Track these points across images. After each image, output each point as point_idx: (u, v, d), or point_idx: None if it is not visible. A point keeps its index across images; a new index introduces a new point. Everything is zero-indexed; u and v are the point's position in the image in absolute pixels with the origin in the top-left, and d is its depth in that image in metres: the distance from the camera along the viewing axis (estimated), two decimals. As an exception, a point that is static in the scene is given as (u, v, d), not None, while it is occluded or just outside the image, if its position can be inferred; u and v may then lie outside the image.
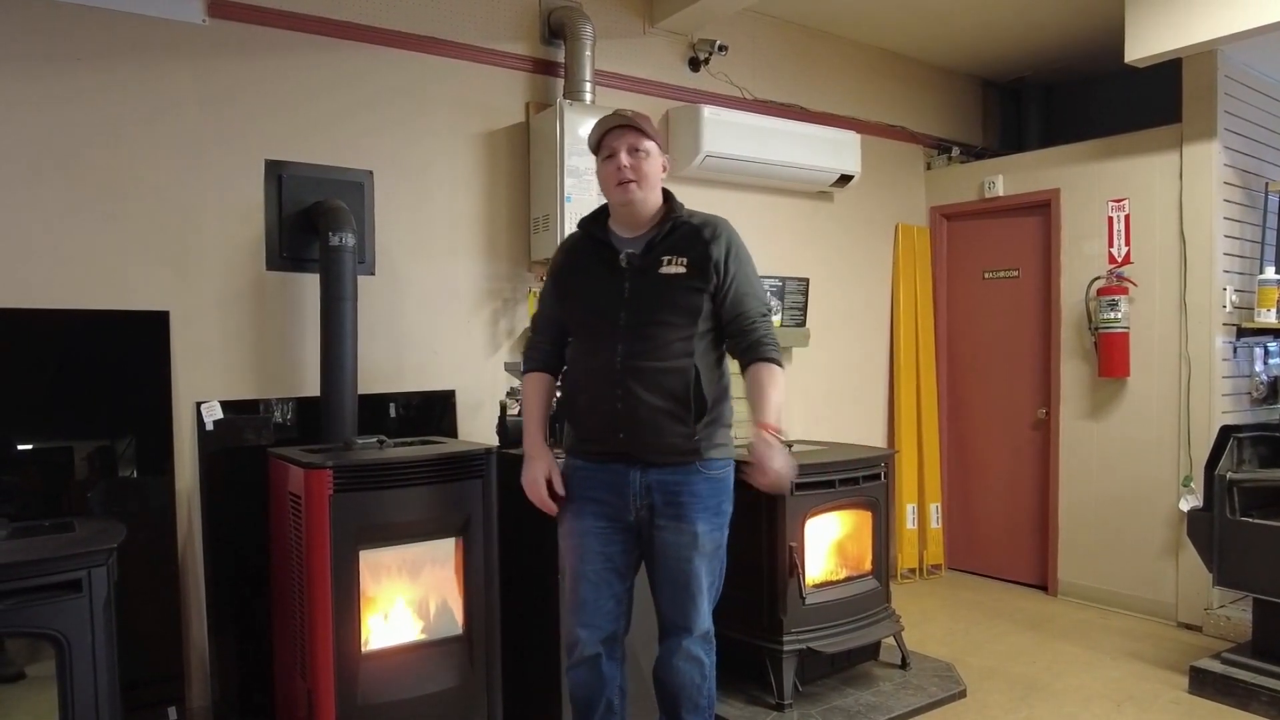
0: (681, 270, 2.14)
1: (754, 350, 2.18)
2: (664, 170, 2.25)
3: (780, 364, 2.19)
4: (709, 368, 2.18)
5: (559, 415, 2.35)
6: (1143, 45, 3.63)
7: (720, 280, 2.15)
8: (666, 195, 2.27)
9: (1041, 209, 4.61)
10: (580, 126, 3.36)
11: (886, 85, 4.85)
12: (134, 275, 2.77)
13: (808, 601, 3.12)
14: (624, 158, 2.16)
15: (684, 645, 2.20)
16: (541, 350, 2.35)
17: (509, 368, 3.21)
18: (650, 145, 2.19)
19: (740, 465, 2.20)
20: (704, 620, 2.23)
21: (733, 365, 2.26)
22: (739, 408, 2.28)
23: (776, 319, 4.17)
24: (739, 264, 2.19)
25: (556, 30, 3.55)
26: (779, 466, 2.07)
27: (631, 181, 2.15)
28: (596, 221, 2.29)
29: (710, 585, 2.24)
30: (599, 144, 2.22)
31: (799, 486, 3.11)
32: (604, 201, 2.31)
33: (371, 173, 3.19)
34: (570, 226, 2.97)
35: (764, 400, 2.15)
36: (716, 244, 2.17)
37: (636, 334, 2.12)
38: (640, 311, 2.12)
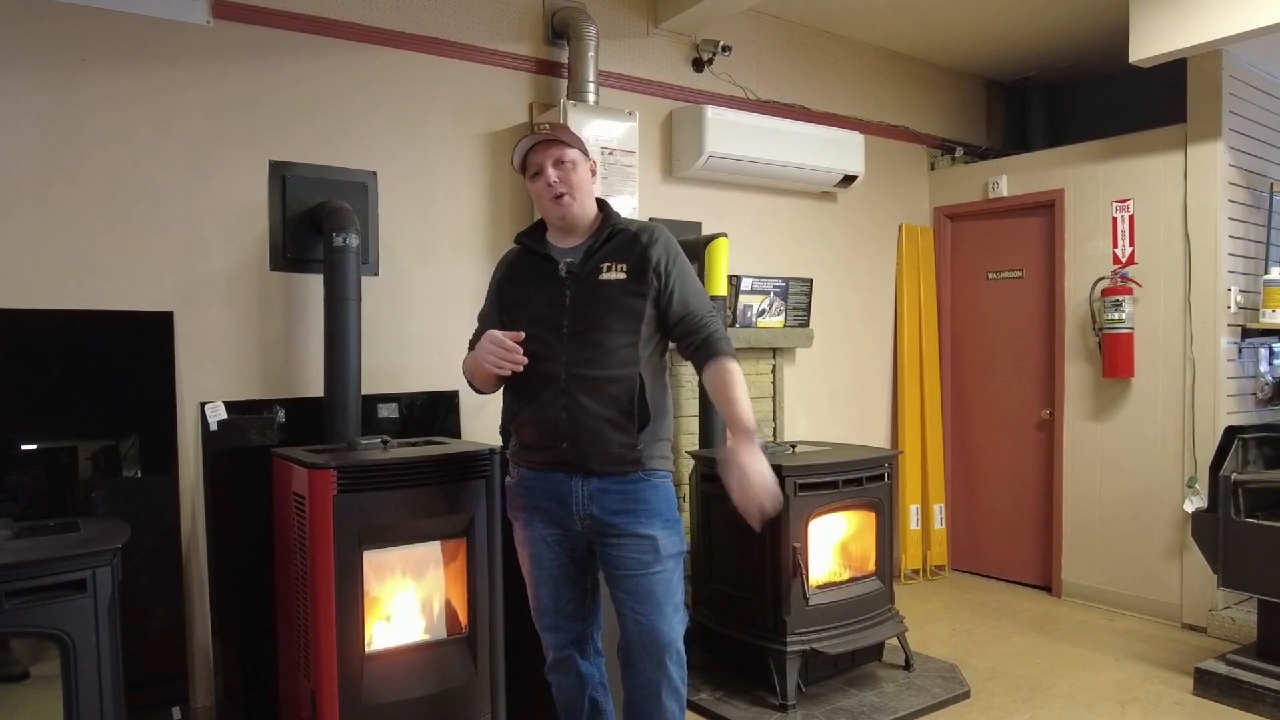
0: (621, 276, 2.12)
1: (707, 348, 2.13)
2: (593, 175, 2.24)
3: (737, 360, 2.14)
4: (653, 379, 2.16)
5: (505, 424, 2.34)
6: (1147, 45, 3.62)
7: (661, 284, 2.14)
8: (602, 204, 2.26)
9: (1046, 209, 4.61)
10: (584, 127, 3.36)
11: (890, 85, 4.85)
12: (138, 276, 2.77)
13: (811, 602, 3.11)
14: (551, 173, 2.14)
15: (669, 676, 2.12)
16: None
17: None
18: (573, 154, 2.17)
19: (721, 481, 2.12)
20: (679, 636, 2.16)
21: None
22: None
23: (779, 319, 4.17)
24: (678, 267, 2.17)
25: (560, 31, 3.55)
26: (768, 480, 2.03)
27: (564, 194, 2.15)
28: (533, 235, 2.27)
29: (678, 602, 2.17)
30: (524, 163, 2.20)
31: (803, 487, 3.11)
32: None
33: (375, 173, 3.20)
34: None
35: (733, 402, 2.08)
36: (654, 248, 2.15)
37: (580, 341, 2.10)
38: (583, 318, 2.10)
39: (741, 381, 2.12)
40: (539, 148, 2.17)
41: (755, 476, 2.02)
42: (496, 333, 2.11)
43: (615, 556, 2.13)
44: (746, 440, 2.05)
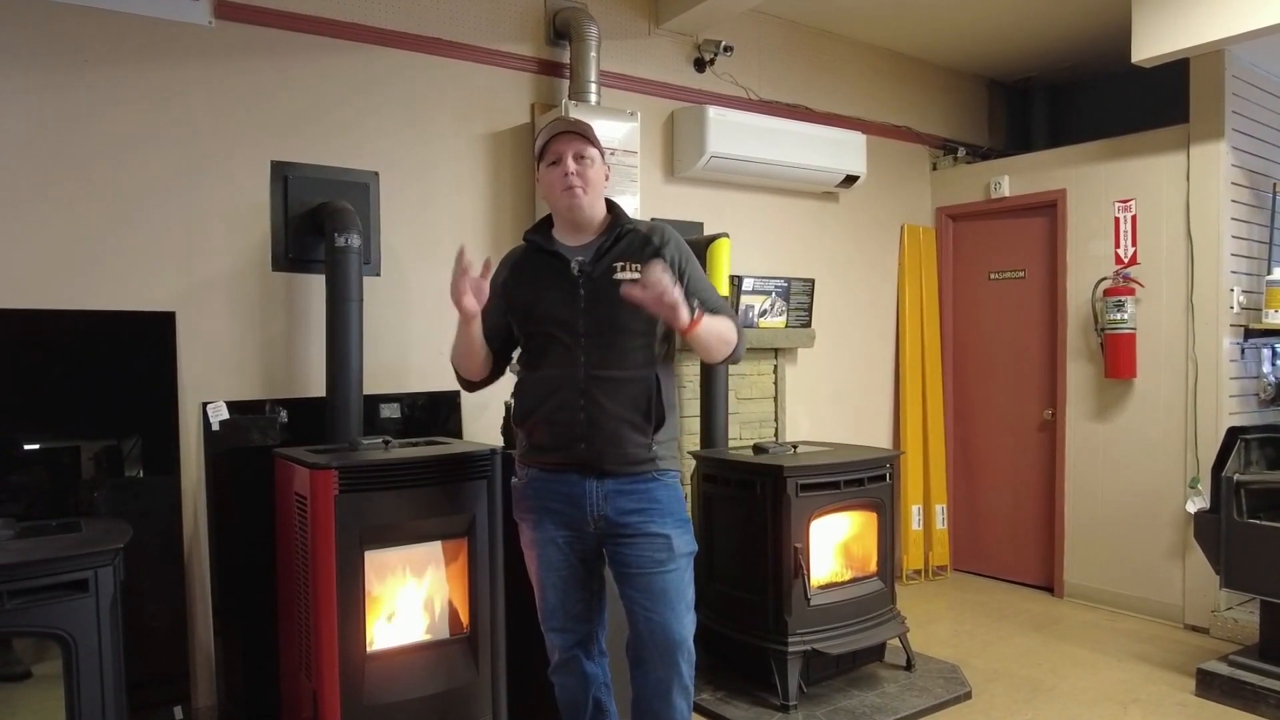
0: (636, 276, 2.11)
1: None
2: (606, 178, 2.24)
3: (739, 349, 2.16)
4: (667, 378, 2.18)
5: (512, 423, 2.32)
6: (1150, 45, 3.62)
7: (677, 282, 2.13)
8: (612, 205, 2.26)
9: (1048, 209, 4.60)
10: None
11: (892, 85, 4.85)
12: (140, 276, 2.78)
13: (813, 602, 3.11)
14: (570, 164, 2.14)
15: (680, 674, 2.13)
16: None
17: (513, 368, 3.21)
18: (594, 152, 2.18)
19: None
20: (690, 635, 2.16)
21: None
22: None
23: (781, 320, 4.17)
24: (691, 265, 2.19)
25: (562, 31, 3.55)
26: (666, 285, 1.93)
27: (578, 188, 2.14)
28: (540, 232, 2.27)
29: (690, 600, 2.17)
30: (544, 149, 2.20)
31: (804, 487, 3.11)
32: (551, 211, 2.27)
33: (377, 174, 3.20)
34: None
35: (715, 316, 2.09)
36: (667, 248, 2.16)
37: (598, 342, 2.10)
38: (600, 319, 2.10)
39: (733, 332, 2.14)
40: (564, 137, 2.16)
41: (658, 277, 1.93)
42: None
43: (629, 555, 2.13)
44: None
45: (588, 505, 2.13)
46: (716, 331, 2.10)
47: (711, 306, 2.16)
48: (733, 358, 2.21)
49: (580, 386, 2.09)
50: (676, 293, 1.94)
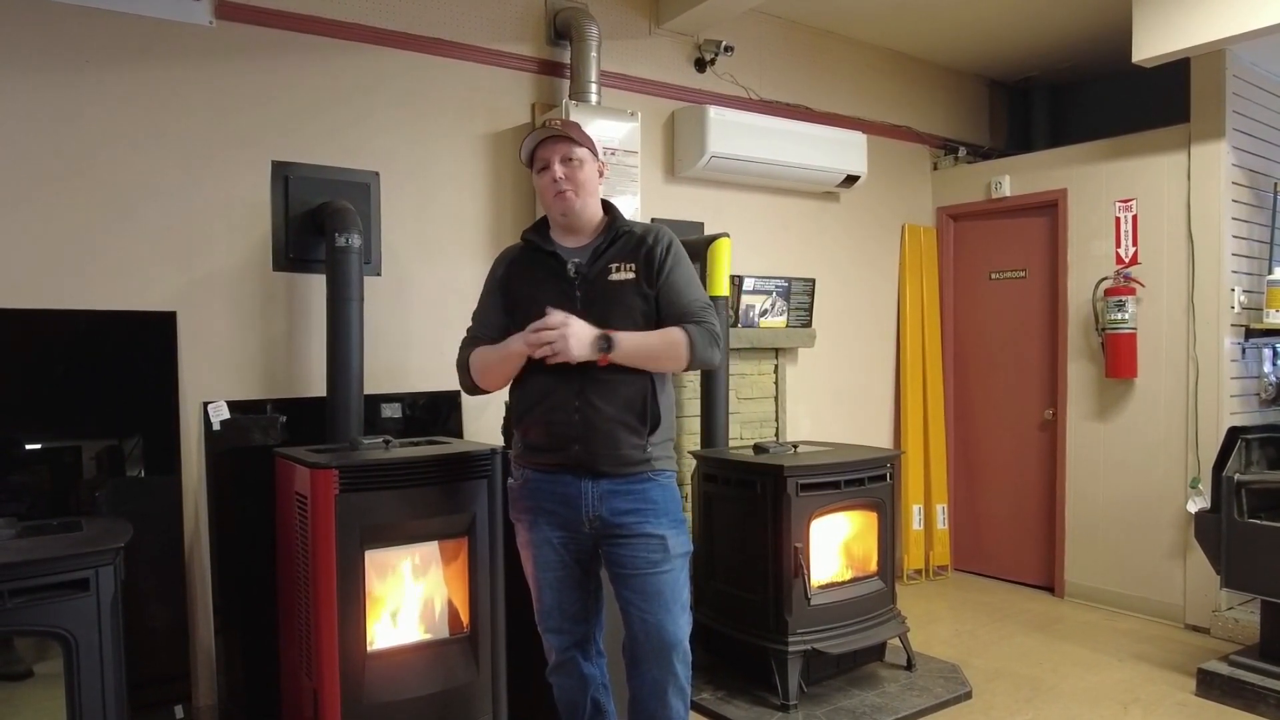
0: (630, 276, 2.13)
1: (683, 321, 2.11)
2: (601, 175, 2.24)
3: (695, 349, 2.10)
4: (662, 379, 2.18)
5: (510, 424, 2.32)
6: (1150, 45, 3.62)
7: (661, 281, 2.13)
8: (609, 206, 2.26)
9: (1048, 209, 4.60)
10: (586, 127, 3.34)
11: (893, 85, 4.85)
12: (141, 276, 2.78)
13: (813, 602, 3.11)
14: (558, 169, 2.14)
15: (676, 675, 2.13)
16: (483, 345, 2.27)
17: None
18: (582, 153, 2.17)
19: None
20: (686, 636, 2.16)
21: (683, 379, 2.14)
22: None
23: (782, 319, 4.17)
24: (677, 268, 2.16)
25: (562, 31, 3.56)
26: (578, 335, 2.00)
27: (568, 191, 2.14)
28: (538, 232, 2.27)
29: (686, 601, 2.17)
30: (531, 157, 2.20)
31: (805, 487, 3.12)
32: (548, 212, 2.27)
33: (377, 174, 3.20)
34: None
35: (643, 334, 2.09)
36: (658, 248, 2.15)
37: None
38: (595, 319, 2.09)
39: (672, 344, 2.09)
40: (548, 143, 2.17)
41: (572, 325, 2.01)
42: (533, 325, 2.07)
43: (624, 556, 2.13)
44: (599, 334, 2.04)
45: (583, 506, 2.13)
46: (646, 353, 2.08)
47: (679, 311, 2.12)
48: (691, 366, 2.16)
49: (575, 388, 2.09)
50: (569, 344, 1.99)
